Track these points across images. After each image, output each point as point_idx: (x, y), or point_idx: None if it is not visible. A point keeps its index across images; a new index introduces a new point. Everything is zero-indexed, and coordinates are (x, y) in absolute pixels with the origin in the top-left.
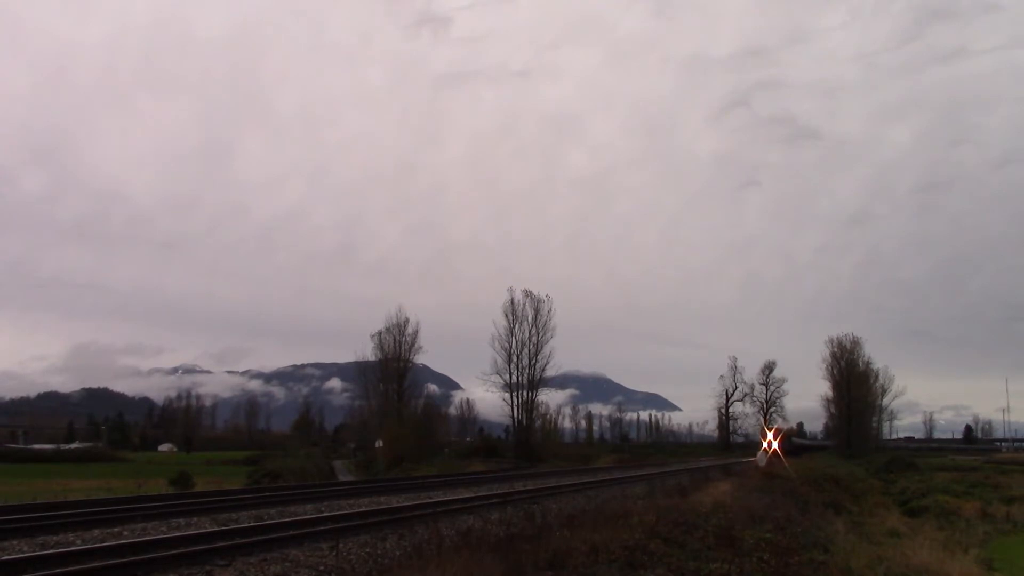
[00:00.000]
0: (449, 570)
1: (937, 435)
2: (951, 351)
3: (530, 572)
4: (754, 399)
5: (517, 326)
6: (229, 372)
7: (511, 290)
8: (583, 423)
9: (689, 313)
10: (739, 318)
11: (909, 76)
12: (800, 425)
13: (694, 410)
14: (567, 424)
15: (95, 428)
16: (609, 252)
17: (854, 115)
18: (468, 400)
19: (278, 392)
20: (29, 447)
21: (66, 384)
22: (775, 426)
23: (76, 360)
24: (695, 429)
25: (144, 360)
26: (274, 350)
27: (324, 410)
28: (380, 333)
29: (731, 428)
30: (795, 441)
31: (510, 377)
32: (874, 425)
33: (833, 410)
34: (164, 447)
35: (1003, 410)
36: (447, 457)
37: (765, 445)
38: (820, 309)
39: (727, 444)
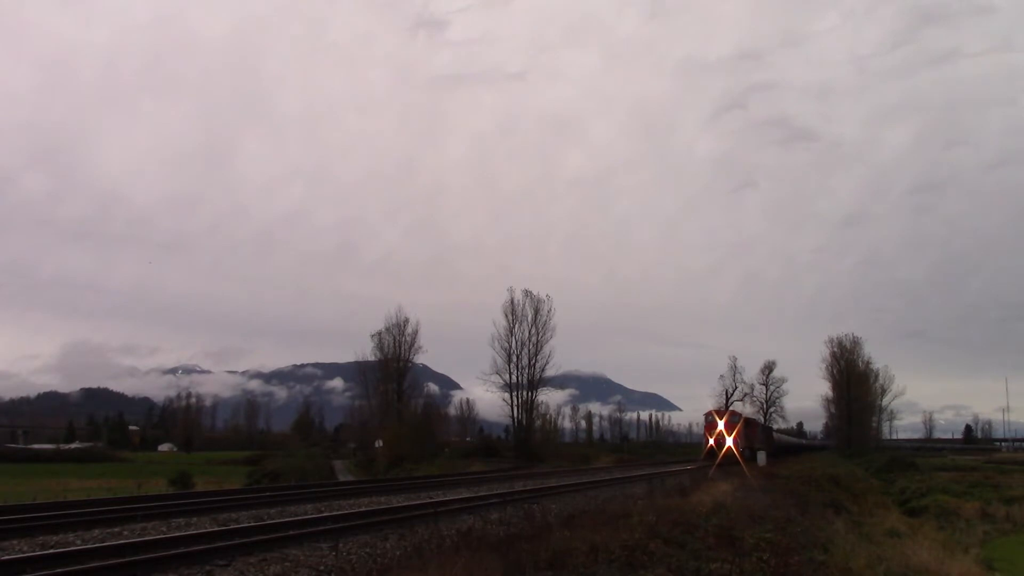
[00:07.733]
0: (449, 570)
1: (937, 435)
2: (950, 351)
3: (530, 572)
4: (754, 399)
5: (517, 326)
6: (229, 372)
7: (511, 290)
8: (583, 423)
9: (689, 313)
10: (739, 318)
11: (903, 79)
12: (800, 425)
13: (694, 410)
14: (567, 424)
15: (95, 428)
16: (608, 252)
17: (849, 117)
18: (468, 400)
19: (278, 392)
20: (29, 447)
21: (65, 384)
22: (730, 409)
23: (75, 360)
24: (695, 429)
25: (143, 360)
26: (274, 350)
27: (324, 410)
28: (380, 333)
29: None
30: (778, 438)
31: (510, 377)
32: (874, 425)
33: (833, 410)
34: (164, 447)
35: (1003, 410)
36: (447, 457)
37: (712, 442)
38: (820, 309)
39: None
